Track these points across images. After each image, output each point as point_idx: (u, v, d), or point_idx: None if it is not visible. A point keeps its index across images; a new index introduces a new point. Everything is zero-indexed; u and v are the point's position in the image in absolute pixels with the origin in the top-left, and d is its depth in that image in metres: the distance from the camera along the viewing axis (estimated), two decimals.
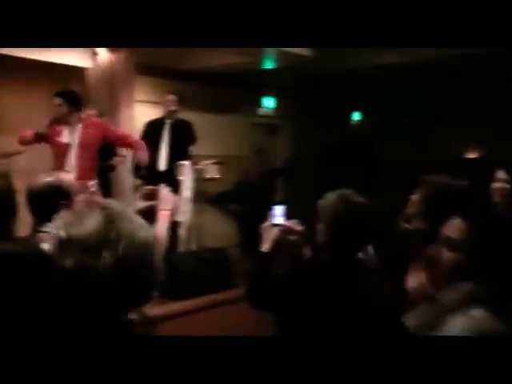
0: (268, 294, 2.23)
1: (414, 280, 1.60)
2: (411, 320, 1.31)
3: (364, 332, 2.01)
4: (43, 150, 4.73)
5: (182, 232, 5.60)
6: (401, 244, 2.49)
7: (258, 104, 8.12)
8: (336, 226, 2.18)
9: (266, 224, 2.33)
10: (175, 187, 5.54)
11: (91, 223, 1.12)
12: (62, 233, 1.12)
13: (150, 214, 4.89)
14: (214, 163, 5.88)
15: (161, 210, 5.43)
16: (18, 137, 4.53)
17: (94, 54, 5.90)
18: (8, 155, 4.94)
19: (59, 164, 4.42)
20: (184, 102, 5.74)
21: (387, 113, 9.29)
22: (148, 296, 1.35)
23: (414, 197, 2.60)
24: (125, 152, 5.55)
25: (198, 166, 5.74)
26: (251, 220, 5.30)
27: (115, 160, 5.65)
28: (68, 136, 4.51)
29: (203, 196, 5.97)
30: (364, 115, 9.97)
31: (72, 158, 4.44)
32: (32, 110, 5.83)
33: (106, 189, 5.22)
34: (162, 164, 5.54)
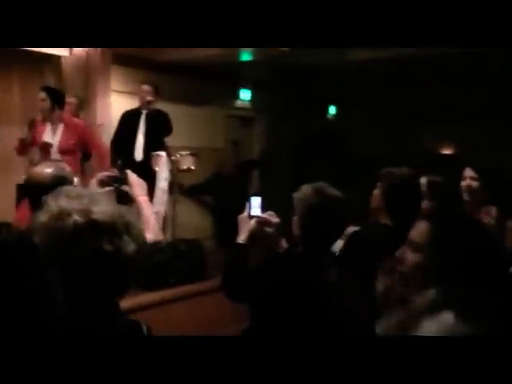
0: (244, 285, 2.25)
1: (385, 279, 1.60)
2: (383, 321, 1.32)
3: (338, 323, 2.06)
4: None
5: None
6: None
7: (234, 96, 8.11)
8: (310, 218, 2.21)
9: (243, 215, 2.32)
10: (151, 177, 5.52)
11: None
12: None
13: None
14: (190, 154, 5.86)
15: (138, 195, 5.39)
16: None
17: None
18: None
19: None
20: (160, 93, 5.73)
21: (362, 107, 9.38)
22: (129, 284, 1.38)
23: (376, 191, 2.62)
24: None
25: (174, 157, 5.73)
26: (226, 211, 5.30)
27: None
28: (50, 135, 4.70)
29: (178, 187, 5.96)
30: (339, 109, 10.04)
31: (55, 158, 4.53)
32: (5, 96, 5.75)
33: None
34: (139, 154, 5.55)
